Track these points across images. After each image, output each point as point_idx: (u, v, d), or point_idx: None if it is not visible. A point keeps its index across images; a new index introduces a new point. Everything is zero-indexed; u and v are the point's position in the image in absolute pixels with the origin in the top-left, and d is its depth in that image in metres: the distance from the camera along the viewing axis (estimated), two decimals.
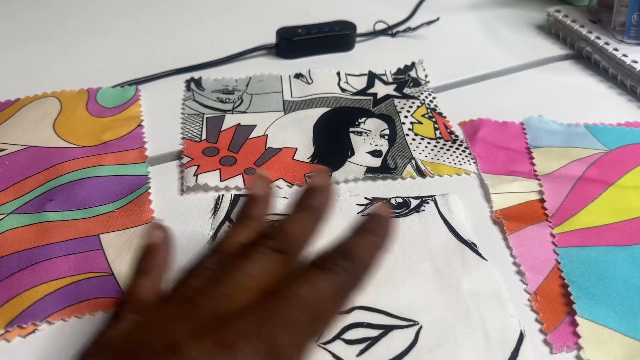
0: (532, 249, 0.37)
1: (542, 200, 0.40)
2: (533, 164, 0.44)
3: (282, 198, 0.40)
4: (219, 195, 0.40)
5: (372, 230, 0.27)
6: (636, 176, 0.43)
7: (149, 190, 0.40)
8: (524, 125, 0.48)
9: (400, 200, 0.40)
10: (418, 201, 0.40)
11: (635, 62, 0.53)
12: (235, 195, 0.40)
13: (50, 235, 0.36)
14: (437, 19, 0.61)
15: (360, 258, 0.25)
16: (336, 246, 0.26)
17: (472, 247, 0.37)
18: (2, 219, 0.37)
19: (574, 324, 0.32)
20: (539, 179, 0.42)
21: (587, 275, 0.35)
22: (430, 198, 0.40)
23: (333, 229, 0.37)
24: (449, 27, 0.62)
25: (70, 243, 0.36)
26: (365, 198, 0.40)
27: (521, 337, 0.32)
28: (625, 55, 0.54)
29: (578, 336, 0.32)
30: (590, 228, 0.38)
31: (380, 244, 0.27)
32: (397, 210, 0.39)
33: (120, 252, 0.36)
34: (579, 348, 0.31)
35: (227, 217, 0.38)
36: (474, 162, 0.44)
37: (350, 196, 0.41)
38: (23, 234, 0.36)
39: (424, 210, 0.39)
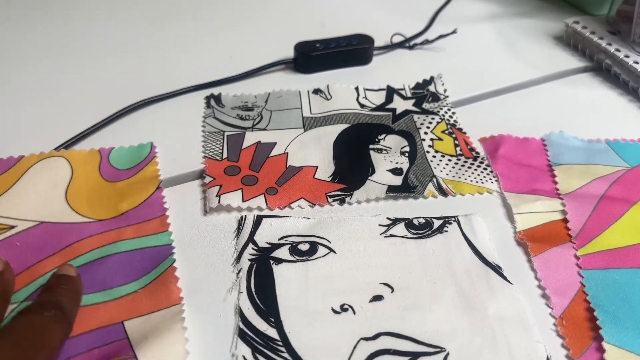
0: (556, 272, 0.37)
1: (565, 220, 0.40)
2: (555, 182, 0.44)
3: (304, 218, 0.40)
4: (242, 216, 0.40)
5: (67, 287, 0.33)
6: None
7: (174, 265, 0.36)
8: (544, 142, 0.48)
9: (422, 220, 0.40)
10: (441, 222, 0.40)
11: None
12: (257, 216, 0.40)
13: None
14: (455, 31, 0.61)
15: (67, 306, 0.32)
16: (44, 297, 0.33)
17: (497, 270, 0.37)
18: (15, 308, 0.33)
19: (601, 350, 0.32)
20: (561, 198, 0.42)
21: (612, 298, 0.35)
22: (453, 219, 0.40)
23: (357, 248, 0.38)
24: (466, 38, 0.62)
25: (93, 335, 0.32)
26: (388, 218, 0.40)
27: None
28: None
29: None
30: (615, 249, 0.38)
31: (77, 296, 0.34)
32: (420, 231, 0.39)
33: (147, 342, 0.32)
34: None
35: (250, 238, 0.39)
36: (496, 180, 0.44)
37: (372, 217, 0.41)
38: None
39: (447, 231, 0.39)
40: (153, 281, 0.35)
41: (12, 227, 0.38)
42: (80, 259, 0.37)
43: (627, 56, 0.55)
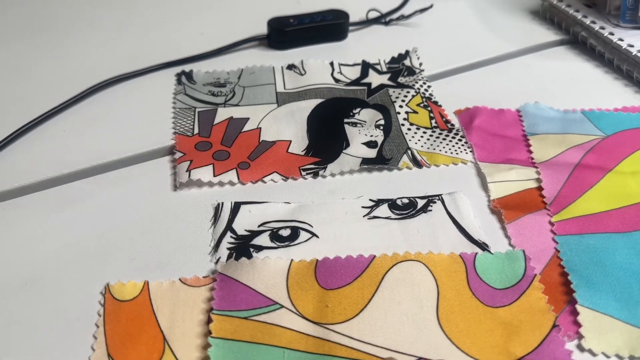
0: (530, 238, 0.37)
1: (540, 188, 0.40)
2: (530, 152, 0.43)
3: (285, 203, 0.39)
4: (219, 204, 0.39)
5: None
6: (634, 161, 0.42)
7: None
8: (520, 113, 0.48)
9: (406, 201, 0.39)
10: (425, 201, 0.39)
11: (631, 46, 0.52)
12: (235, 203, 0.39)
13: None
14: (431, 6, 0.60)
15: None
16: None
17: (483, 247, 0.36)
18: None
19: (575, 313, 0.32)
20: (536, 167, 0.42)
21: (586, 263, 0.35)
22: (437, 197, 0.39)
23: (340, 232, 0.37)
24: (443, 13, 0.62)
25: None
26: (370, 200, 0.39)
27: None
28: (621, 40, 0.53)
29: (579, 325, 0.31)
30: (589, 215, 0.38)
31: None
32: (404, 212, 0.38)
33: None
34: (580, 337, 0.31)
35: (228, 226, 0.37)
36: (471, 151, 0.44)
37: (354, 199, 0.40)
38: None
39: (431, 210, 0.38)
40: None
41: None
42: None
43: (602, 28, 0.55)
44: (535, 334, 0.31)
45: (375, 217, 0.38)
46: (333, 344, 0.30)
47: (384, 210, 0.39)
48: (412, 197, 0.39)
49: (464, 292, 0.33)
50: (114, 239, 0.36)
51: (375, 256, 0.35)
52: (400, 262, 0.34)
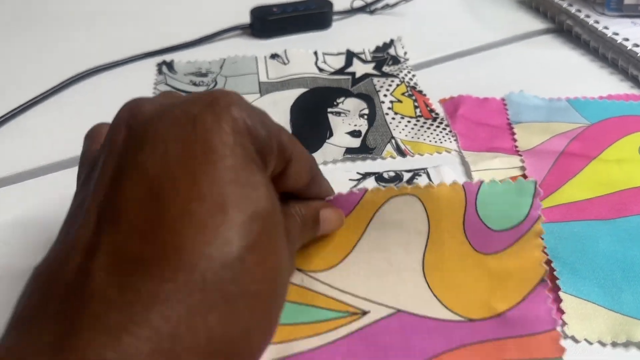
0: None
1: (524, 176, 0.40)
2: (514, 140, 0.43)
3: None
4: None
5: None
6: (618, 149, 0.42)
7: None
8: (505, 101, 0.47)
9: (392, 173, 0.39)
10: (410, 174, 0.39)
11: (616, 34, 0.52)
12: None
13: None
14: None
15: None
16: None
17: None
18: None
19: (558, 300, 0.32)
20: (520, 155, 0.42)
21: (570, 250, 0.35)
22: (422, 170, 0.40)
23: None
24: (428, 2, 0.61)
25: None
26: (358, 173, 0.40)
27: None
28: (606, 28, 0.53)
29: (562, 312, 0.31)
30: (573, 203, 0.38)
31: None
32: (390, 184, 0.39)
33: None
34: (563, 324, 0.31)
35: None
36: (455, 140, 0.43)
37: (343, 172, 0.40)
38: None
39: (416, 182, 0.39)
40: None
41: (364, 313, 0.28)
42: None
43: (587, 16, 0.55)
44: (520, 288, 0.29)
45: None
46: (315, 294, 0.29)
47: (370, 182, 0.39)
48: (399, 170, 0.40)
49: (456, 236, 0.31)
50: None
51: (367, 190, 0.31)
52: (395, 196, 0.31)
